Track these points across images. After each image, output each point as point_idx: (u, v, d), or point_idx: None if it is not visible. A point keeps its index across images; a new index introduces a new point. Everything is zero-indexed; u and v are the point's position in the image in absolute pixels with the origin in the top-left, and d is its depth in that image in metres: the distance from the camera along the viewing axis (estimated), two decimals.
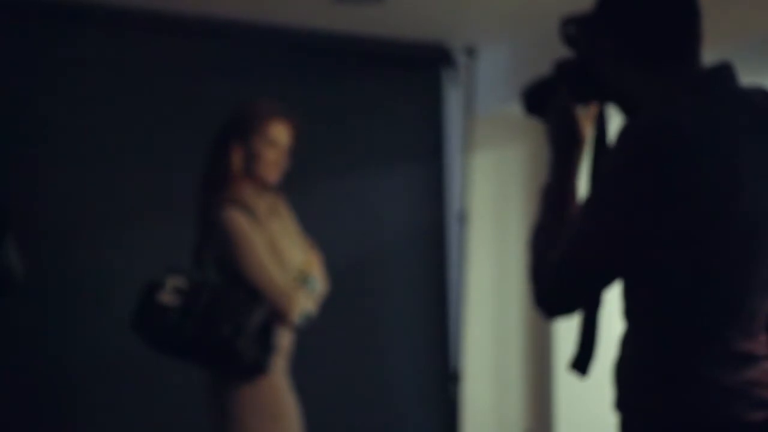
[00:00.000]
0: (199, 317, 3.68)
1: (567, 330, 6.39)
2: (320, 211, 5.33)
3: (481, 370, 6.45)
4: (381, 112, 5.68)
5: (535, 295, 2.16)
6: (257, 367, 3.73)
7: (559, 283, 2.12)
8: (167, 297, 3.70)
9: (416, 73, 5.83)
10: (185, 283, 3.73)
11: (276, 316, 3.79)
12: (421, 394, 5.62)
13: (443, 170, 5.83)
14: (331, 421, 5.15)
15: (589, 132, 2.27)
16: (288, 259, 3.89)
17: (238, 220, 3.80)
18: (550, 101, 2.28)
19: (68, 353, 4.91)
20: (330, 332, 5.11)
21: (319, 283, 3.97)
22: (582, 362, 2.23)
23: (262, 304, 3.74)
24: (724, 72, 2.12)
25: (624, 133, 2.04)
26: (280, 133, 3.91)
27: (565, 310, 2.16)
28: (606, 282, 2.11)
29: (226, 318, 3.68)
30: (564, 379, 6.43)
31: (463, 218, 5.76)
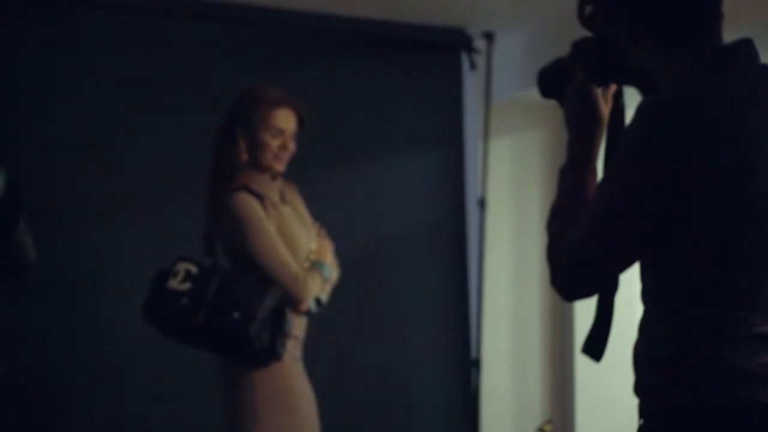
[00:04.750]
0: (211, 303, 3.68)
1: (587, 316, 6.36)
2: (339, 198, 5.33)
3: (499, 356, 6.43)
4: (399, 97, 5.66)
5: (553, 277, 2.15)
6: (270, 353, 3.72)
7: (576, 265, 2.10)
8: (178, 283, 3.70)
9: (435, 58, 5.80)
10: (196, 269, 3.72)
11: (288, 301, 3.78)
12: (440, 381, 5.61)
13: (463, 156, 5.81)
14: (348, 408, 5.15)
15: (607, 113, 2.25)
16: (300, 245, 3.88)
17: (249, 203, 3.79)
18: (567, 83, 2.26)
19: (77, 343, 4.90)
20: (349, 318, 5.12)
21: (332, 271, 3.97)
22: (595, 346, 2.21)
23: (274, 290, 3.73)
24: (744, 48, 2.09)
25: (640, 111, 2.02)
26: (284, 121, 3.88)
27: (583, 291, 2.15)
28: (622, 263, 2.09)
29: (238, 303, 3.67)
30: (584, 365, 6.40)
31: (482, 204, 5.75)
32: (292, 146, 3.90)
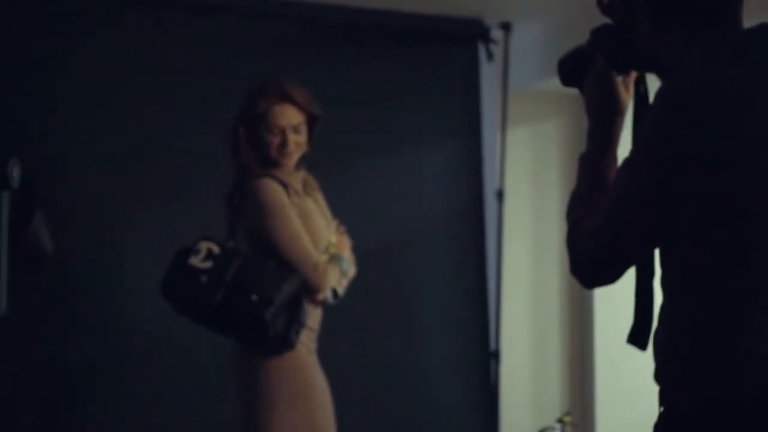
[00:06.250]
0: (229, 284, 3.68)
1: (607, 308, 6.36)
2: (356, 190, 5.32)
3: (519, 348, 6.43)
4: (416, 89, 5.65)
5: (572, 264, 2.14)
6: (283, 341, 3.72)
7: (595, 251, 2.09)
8: (199, 261, 3.70)
9: (452, 49, 5.78)
10: (218, 250, 3.73)
11: (306, 290, 3.79)
12: (459, 373, 5.60)
13: (480, 147, 5.79)
14: (367, 400, 5.15)
15: (628, 101, 2.24)
16: (320, 236, 3.89)
17: (273, 189, 3.81)
18: (587, 71, 2.25)
19: (95, 336, 4.90)
20: (367, 310, 5.11)
21: (350, 266, 3.97)
22: (639, 335, 2.19)
23: (292, 278, 3.74)
24: (763, 33, 2.07)
25: (659, 95, 2.01)
26: (283, 118, 3.87)
27: (602, 278, 2.13)
28: (640, 249, 2.08)
29: (256, 287, 3.68)
30: (603, 355, 6.40)
31: (500, 195, 5.74)
32: (297, 140, 3.89)
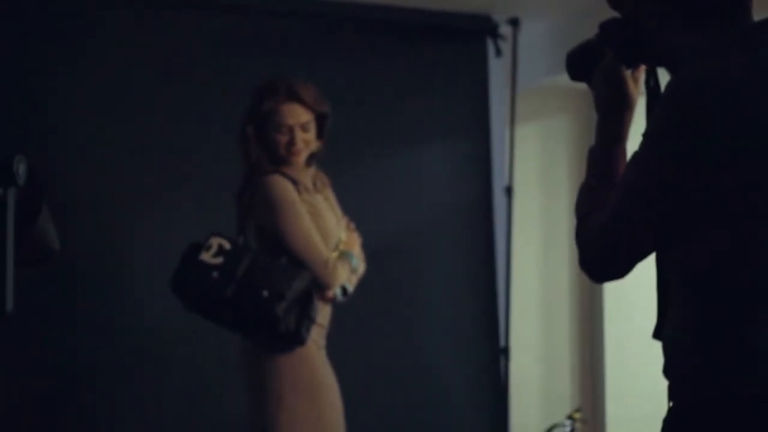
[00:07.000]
0: (240, 280, 3.69)
1: (617, 304, 6.35)
2: (365, 187, 5.33)
3: (528, 344, 6.42)
4: (424, 85, 5.64)
5: (582, 259, 2.13)
6: (294, 336, 3.72)
7: (603, 246, 2.08)
8: (210, 257, 3.70)
9: (460, 45, 5.78)
10: (229, 245, 3.73)
11: (316, 286, 3.78)
12: (469, 370, 5.59)
13: (489, 143, 5.78)
14: (376, 397, 5.15)
15: (637, 95, 2.23)
16: (330, 233, 3.89)
17: (283, 185, 3.82)
18: (595, 65, 2.24)
19: (101, 334, 4.90)
20: (376, 307, 5.11)
21: (359, 263, 3.97)
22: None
23: (303, 274, 3.74)
24: None
25: (667, 90, 2.00)
26: (290, 117, 3.88)
27: (611, 273, 2.13)
28: (649, 244, 2.07)
29: (267, 283, 3.69)
30: (613, 352, 6.38)
31: (509, 191, 5.73)
32: (305, 138, 3.90)
